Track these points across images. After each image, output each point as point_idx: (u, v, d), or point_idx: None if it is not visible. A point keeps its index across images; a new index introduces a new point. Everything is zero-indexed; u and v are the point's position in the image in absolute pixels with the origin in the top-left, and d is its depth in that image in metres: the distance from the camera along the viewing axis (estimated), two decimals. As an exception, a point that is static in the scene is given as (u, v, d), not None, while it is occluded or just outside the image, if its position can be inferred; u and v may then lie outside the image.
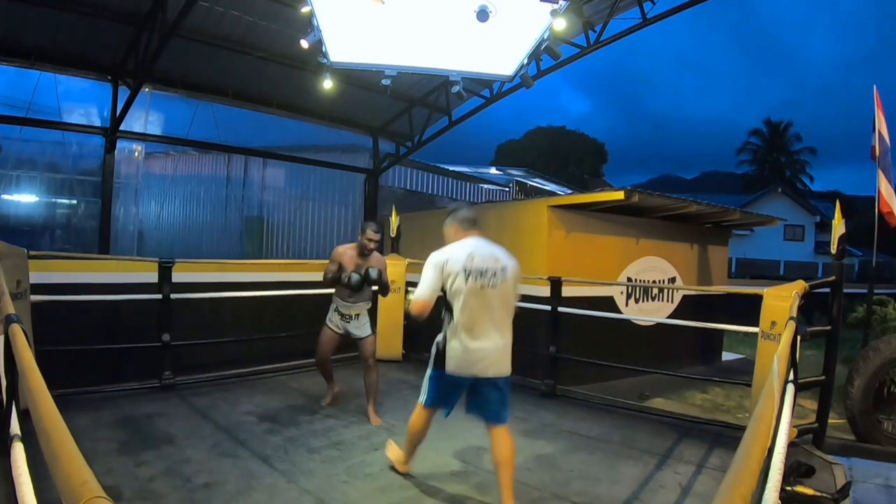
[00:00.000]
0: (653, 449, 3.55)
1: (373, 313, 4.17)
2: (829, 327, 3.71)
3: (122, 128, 6.68)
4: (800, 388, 2.75)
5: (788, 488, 2.58)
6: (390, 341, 5.72)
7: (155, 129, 8.67)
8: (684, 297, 7.62)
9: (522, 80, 5.65)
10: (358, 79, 7.12)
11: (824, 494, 2.63)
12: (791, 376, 2.39)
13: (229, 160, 11.66)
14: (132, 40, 5.93)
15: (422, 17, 4.65)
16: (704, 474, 3.15)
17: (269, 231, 11.38)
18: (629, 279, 6.91)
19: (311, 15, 4.59)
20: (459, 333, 2.54)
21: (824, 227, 24.28)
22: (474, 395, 2.67)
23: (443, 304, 2.58)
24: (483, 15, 4.41)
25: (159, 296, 4.45)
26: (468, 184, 13.06)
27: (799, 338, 2.64)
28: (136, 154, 10.22)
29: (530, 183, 16.70)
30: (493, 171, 17.27)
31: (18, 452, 1.37)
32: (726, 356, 8.93)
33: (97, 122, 7.13)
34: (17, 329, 1.78)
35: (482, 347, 2.55)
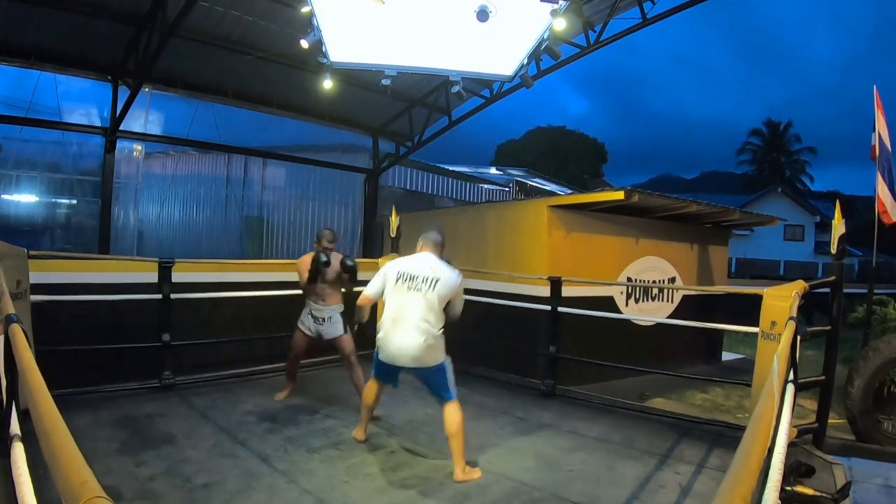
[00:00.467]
0: (653, 449, 3.55)
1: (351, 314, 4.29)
2: (829, 327, 3.71)
3: (122, 128, 6.69)
4: (800, 388, 2.75)
5: (788, 488, 2.58)
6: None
7: (155, 129, 8.66)
8: (684, 297, 7.62)
9: (522, 80, 5.65)
10: (358, 79, 7.13)
11: (824, 494, 2.63)
12: (791, 376, 2.39)
13: (229, 160, 11.65)
14: (132, 40, 5.94)
15: (422, 18, 4.66)
16: (704, 474, 3.15)
17: (269, 231, 11.37)
18: (629, 279, 6.91)
19: (311, 15, 4.59)
20: (383, 326, 3.03)
21: (824, 227, 24.27)
22: (419, 379, 3.14)
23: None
24: (483, 15, 4.41)
25: (159, 296, 4.44)
26: (468, 184, 13.06)
27: (799, 338, 2.64)
28: (136, 154, 10.20)
29: (530, 183, 16.70)
30: (493, 171, 17.26)
31: (18, 452, 1.37)
32: (726, 356, 8.92)
33: (97, 122, 7.13)
34: (17, 329, 1.78)
35: (402, 342, 2.97)
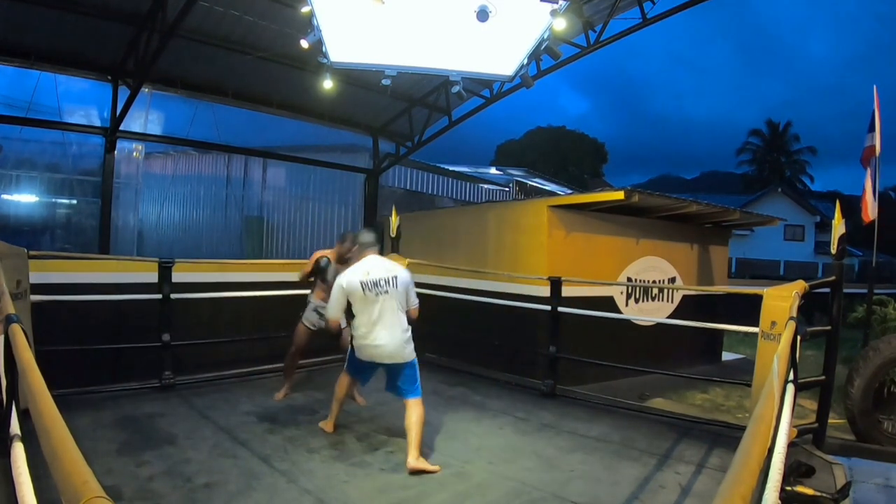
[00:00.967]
0: (653, 449, 3.55)
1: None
2: (829, 327, 3.71)
3: (122, 128, 6.69)
4: (800, 388, 2.75)
5: (788, 488, 2.58)
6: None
7: (155, 129, 8.67)
8: (684, 297, 7.61)
9: (522, 80, 5.65)
10: (358, 79, 7.13)
11: (824, 494, 2.63)
12: (791, 376, 2.39)
13: (229, 160, 11.67)
14: (132, 40, 5.94)
15: (422, 18, 4.66)
16: (704, 474, 3.15)
17: (269, 231, 11.38)
18: (629, 279, 6.90)
19: (311, 15, 4.59)
20: (359, 331, 3.21)
21: (824, 227, 24.27)
22: (387, 376, 3.31)
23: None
24: (483, 15, 4.41)
25: (159, 296, 4.45)
26: (468, 184, 13.07)
27: (799, 338, 2.63)
28: (136, 154, 10.23)
29: (530, 183, 16.70)
30: (493, 171, 17.27)
31: (18, 452, 1.37)
32: (726, 356, 8.92)
33: (97, 122, 7.14)
34: (17, 329, 1.78)
35: (377, 343, 3.17)
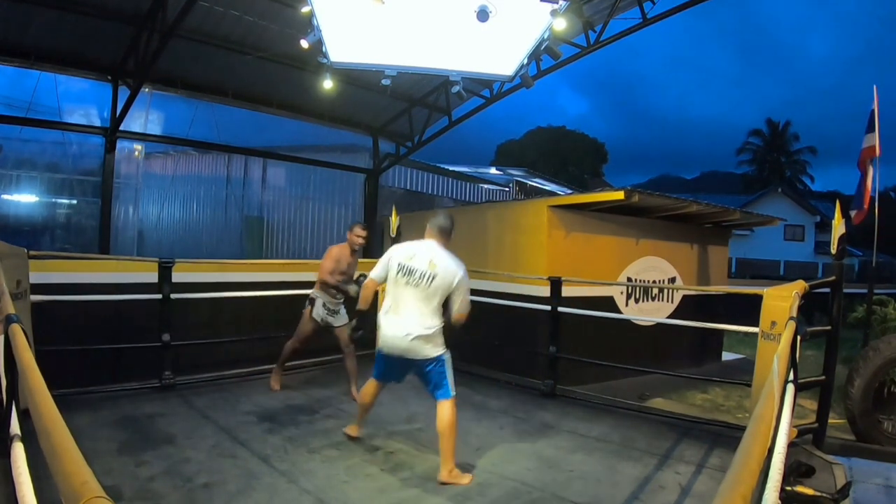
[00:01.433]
0: (653, 449, 3.55)
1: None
2: (829, 327, 3.71)
3: (122, 128, 6.68)
4: (800, 388, 2.75)
5: (788, 488, 2.58)
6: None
7: (155, 129, 8.66)
8: (684, 297, 7.61)
9: (522, 80, 5.65)
10: (358, 79, 7.12)
11: (824, 494, 2.63)
12: (791, 376, 2.39)
13: (229, 160, 11.65)
14: (132, 40, 5.93)
15: (422, 18, 4.65)
16: (704, 474, 3.15)
17: (269, 231, 11.37)
18: (629, 279, 6.90)
19: (311, 15, 4.59)
20: (386, 314, 3.06)
21: (824, 227, 24.26)
22: (416, 375, 3.13)
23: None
24: (483, 15, 4.41)
25: (159, 296, 4.45)
26: (468, 184, 13.06)
27: (799, 338, 2.63)
28: (136, 154, 10.22)
29: (530, 183, 16.69)
30: (493, 171, 17.26)
31: (18, 452, 1.37)
32: (726, 356, 8.92)
33: (97, 122, 7.13)
34: (17, 329, 1.78)
35: (395, 332, 3.00)
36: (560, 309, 4.91)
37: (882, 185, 7.72)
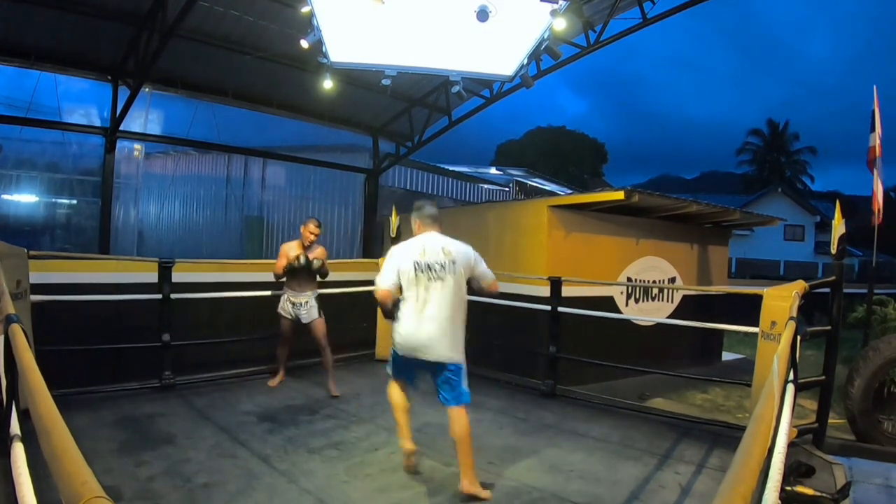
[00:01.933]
0: (653, 449, 3.55)
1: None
2: (829, 327, 3.71)
3: (122, 128, 6.68)
4: (800, 388, 2.75)
5: (788, 488, 2.58)
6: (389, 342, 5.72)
7: (155, 129, 8.66)
8: (684, 297, 7.62)
9: (522, 80, 5.65)
10: (358, 79, 7.13)
11: (824, 494, 2.63)
12: (791, 376, 2.39)
13: (229, 160, 11.66)
14: (132, 40, 5.93)
15: (422, 18, 4.66)
16: (704, 474, 3.15)
17: (269, 231, 11.37)
18: (629, 279, 6.90)
19: (311, 15, 4.60)
20: (405, 319, 2.83)
21: (824, 227, 24.27)
22: (431, 378, 2.92)
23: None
24: (483, 15, 4.41)
25: (159, 296, 4.45)
26: (468, 184, 13.06)
27: (799, 338, 2.64)
28: (136, 154, 10.22)
29: (530, 183, 16.70)
30: (493, 171, 17.26)
31: (18, 452, 1.37)
32: (726, 356, 8.92)
33: (97, 122, 7.13)
34: (17, 329, 1.78)
35: (422, 335, 2.79)
36: (560, 309, 4.90)
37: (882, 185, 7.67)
